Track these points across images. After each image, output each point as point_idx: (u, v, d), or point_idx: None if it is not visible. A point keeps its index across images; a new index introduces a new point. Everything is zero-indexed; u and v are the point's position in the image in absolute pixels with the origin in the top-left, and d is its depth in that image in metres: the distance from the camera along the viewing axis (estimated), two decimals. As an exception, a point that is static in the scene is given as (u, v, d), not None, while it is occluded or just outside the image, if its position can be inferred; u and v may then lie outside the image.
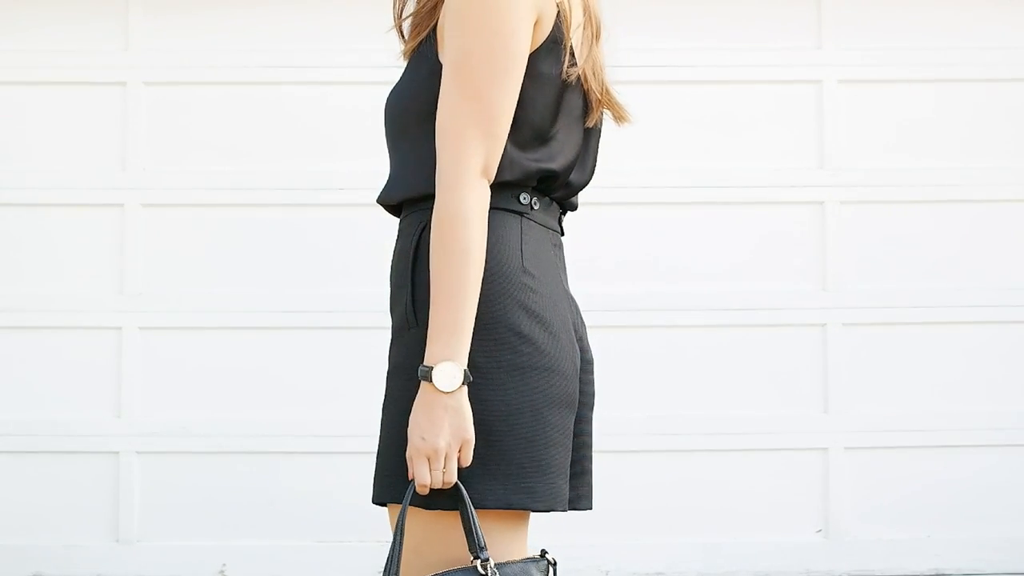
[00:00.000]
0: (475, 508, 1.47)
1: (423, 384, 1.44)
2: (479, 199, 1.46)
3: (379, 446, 1.55)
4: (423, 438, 1.44)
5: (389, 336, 1.86)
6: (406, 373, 1.50)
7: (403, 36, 1.64)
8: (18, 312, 3.89)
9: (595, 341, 3.79)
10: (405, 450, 1.47)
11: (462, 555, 1.49)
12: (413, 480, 1.46)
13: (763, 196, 3.99)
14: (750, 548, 3.89)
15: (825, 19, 4.04)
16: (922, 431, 3.93)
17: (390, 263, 1.64)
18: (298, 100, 3.98)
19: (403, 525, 1.47)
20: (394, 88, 1.63)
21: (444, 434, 1.43)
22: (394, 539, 1.48)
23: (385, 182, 1.64)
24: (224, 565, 3.84)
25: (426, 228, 1.51)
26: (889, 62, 4.03)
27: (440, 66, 1.51)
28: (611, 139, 3.92)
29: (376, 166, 3.87)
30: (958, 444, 3.92)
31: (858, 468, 3.93)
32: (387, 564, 1.48)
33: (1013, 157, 4.02)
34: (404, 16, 1.61)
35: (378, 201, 1.65)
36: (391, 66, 3.73)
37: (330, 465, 3.85)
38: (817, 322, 3.96)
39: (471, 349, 1.45)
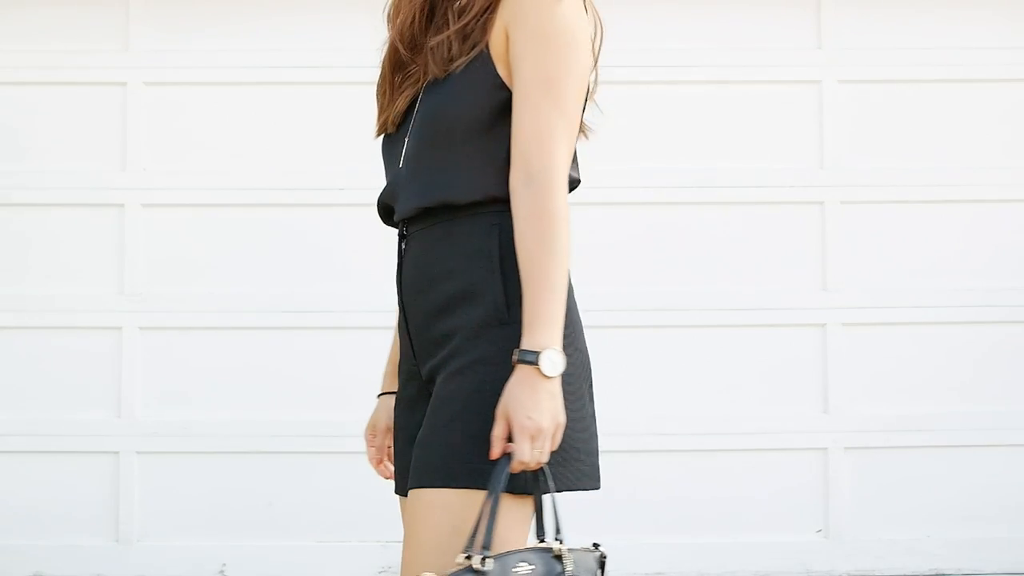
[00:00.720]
0: (551, 492, 1.56)
1: (525, 368, 1.52)
2: (567, 202, 1.61)
3: (457, 435, 1.57)
4: (529, 417, 1.50)
5: (393, 335, 1.95)
6: (503, 367, 1.55)
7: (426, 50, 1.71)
8: (19, 312, 3.90)
9: (595, 341, 3.79)
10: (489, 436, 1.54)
11: (510, 537, 1.54)
12: (501, 463, 1.51)
13: (763, 196, 4.00)
14: (750, 548, 3.90)
15: (825, 19, 4.04)
16: (922, 431, 3.94)
17: (434, 263, 1.67)
18: (297, 100, 3.99)
19: (496, 507, 1.50)
20: (442, 98, 1.66)
21: (547, 416, 1.52)
22: (490, 522, 1.49)
23: (418, 186, 1.67)
24: (224, 565, 3.85)
25: (503, 229, 1.61)
26: (889, 62, 4.04)
27: (499, 80, 1.63)
28: (612, 139, 3.92)
29: (376, 166, 3.87)
30: (958, 444, 3.93)
31: (858, 468, 3.94)
32: (469, 543, 1.49)
33: (1013, 157, 4.03)
34: (444, 34, 1.66)
35: (419, 205, 1.67)
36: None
37: (330, 465, 3.85)
38: (817, 322, 3.97)
39: None
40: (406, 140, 1.71)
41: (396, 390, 1.88)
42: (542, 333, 1.54)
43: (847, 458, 3.94)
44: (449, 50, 1.66)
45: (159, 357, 3.92)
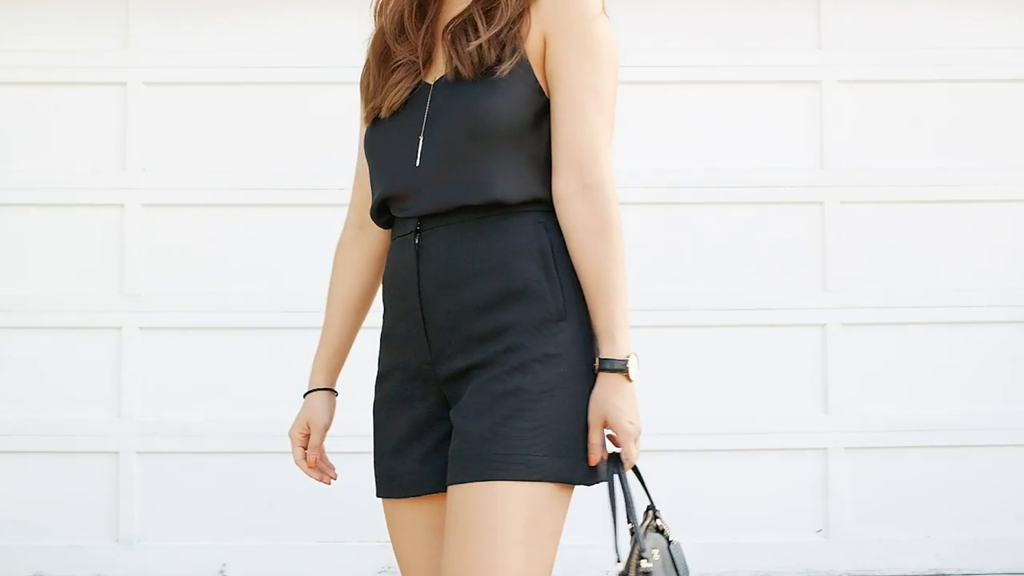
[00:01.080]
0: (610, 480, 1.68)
1: (614, 376, 1.64)
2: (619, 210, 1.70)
3: (532, 429, 1.60)
4: (631, 422, 1.64)
5: (328, 331, 2.08)
6: (567, 361, 1.64)
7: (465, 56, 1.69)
8: (18, 312, 3.91)
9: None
10: (585, 432, 1.64)
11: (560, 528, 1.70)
12: (611, 459, 1.66)
13: (763, 196, 4.01)
14: (750, 548, 3.92)
15: (825, 19, 4.06)
16: (922, 431, 3.95)
17: (477, 258, 1.67)
18: (297, 100, 4.00)
19: (629, 509, 1.69)
20: (484, 100, 1.64)
21: (639, 418, 1.66)
22: (626, 505, 1.68)
23: (455, 183, 1.66)
24: (224, 565, 3.86)
25: (548, 228, 1.67)
26: (889, 62, 4.05)
27: (539, 86, 1.66)
28: (614, 140, 3.92)
29: None
30: (958, 444, 3.94)
31: (858, 468, 3.95)
32: (616, 523, 1.68)
33: (1012, 157, 4.03)
34: (480, 39, 1.66)
35: (461, 203, 1.66)
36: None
37: None
38: (817, 322, 3.98)
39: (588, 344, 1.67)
40: (421, 137, 1.68)
41: (331, 387, 2.00)
42: (623, 341, 1.66)
43: (847, 458, 3.95)
44: (485, 54, 1.65)
45: (159, 357, 3.92)
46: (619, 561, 1.68)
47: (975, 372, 3.99)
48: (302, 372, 3.89)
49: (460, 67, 1.65)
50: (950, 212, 4.03)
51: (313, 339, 3.96)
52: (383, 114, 1.74)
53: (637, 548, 1.70)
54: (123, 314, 3.92)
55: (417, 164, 1.67)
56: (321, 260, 3.80)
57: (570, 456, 1.62)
